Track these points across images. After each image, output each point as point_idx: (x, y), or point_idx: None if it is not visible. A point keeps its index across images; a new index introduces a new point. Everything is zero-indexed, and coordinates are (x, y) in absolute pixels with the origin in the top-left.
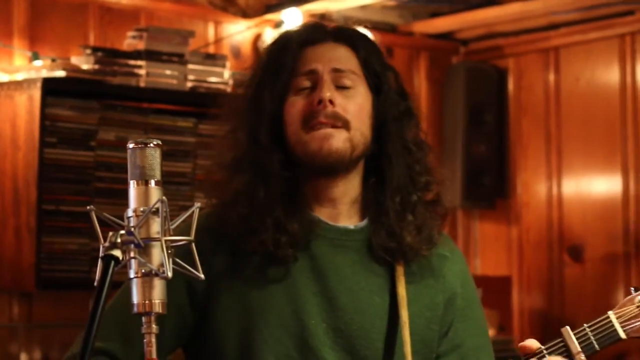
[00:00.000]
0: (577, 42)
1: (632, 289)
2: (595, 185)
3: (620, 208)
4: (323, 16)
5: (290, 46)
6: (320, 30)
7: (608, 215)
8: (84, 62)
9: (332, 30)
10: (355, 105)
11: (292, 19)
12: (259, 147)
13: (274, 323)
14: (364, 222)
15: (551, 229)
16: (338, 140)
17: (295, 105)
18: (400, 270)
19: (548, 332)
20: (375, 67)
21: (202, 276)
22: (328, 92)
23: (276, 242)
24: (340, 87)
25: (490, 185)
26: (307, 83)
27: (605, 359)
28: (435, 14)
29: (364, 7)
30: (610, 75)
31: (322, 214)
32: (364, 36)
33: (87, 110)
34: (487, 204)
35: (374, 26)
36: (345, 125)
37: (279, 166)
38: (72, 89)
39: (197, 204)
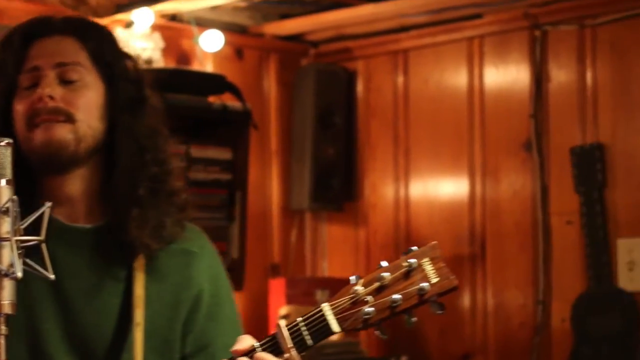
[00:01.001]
0: (426, 45)
1: (352, 278)
2: (442, 188)
3: (467, 210)
4: (174, 16)
5: (14, 42)
6: (46, 24)
7: (454, 217)
8: None
9: (58, 22)
10: (81, 97)
11: (143, 19)
12: None
13: (10, 330)
14: (103, 221)
15: (398, 231)
16: (60, 132)
17: (20, 105)
18: (139, 269)
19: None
20: (107, 56)
21: (52, 276)
22: (47, 88)
23: None
24: (66, 81)
25: (339, 188)
26: (30, 81)
27: (451, 359)
28: (285, 16)
29: (214, 8)
30: (458, 78)
31: (60, 214)
32: (94, 25)
33: None
34: (336, 206)
35: (224, 27)
36: (69, 118)
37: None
38: None
39: (49, 204)
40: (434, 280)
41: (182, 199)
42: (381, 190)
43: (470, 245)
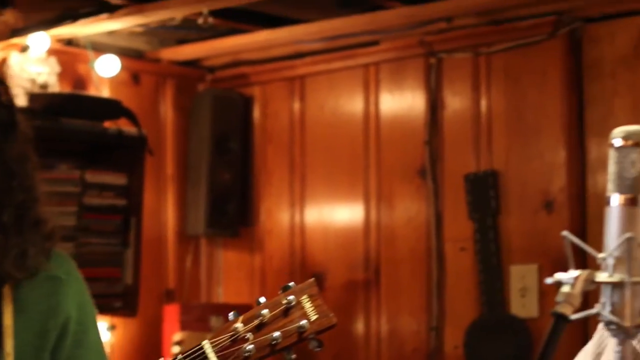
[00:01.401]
0: (322, 71)
1: (231, 314)
2: (337, 214)
3: (362, 236)
4: (70, 41)
5: None
6: None
7: (349, 243)
8: None
9: None
10: None
11: (39, 43)
12: None
13: None
14: None
15: (294, 257)
16: None
17: None
18: (6, 299)
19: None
20: None
21: None
22: None
23: None
24: None
25: (234, 213)
26: None
27: None
28: (182, 41)
29: (110, 33)
30: (354, 104)
31: None
32: None
33: None
34: (231, 232)
35: (120, 52)
36: None
37: None
38: None
39: None
40: (313, 317)
41: (48, 228)
42: (277, 215)
43: (364, 271)
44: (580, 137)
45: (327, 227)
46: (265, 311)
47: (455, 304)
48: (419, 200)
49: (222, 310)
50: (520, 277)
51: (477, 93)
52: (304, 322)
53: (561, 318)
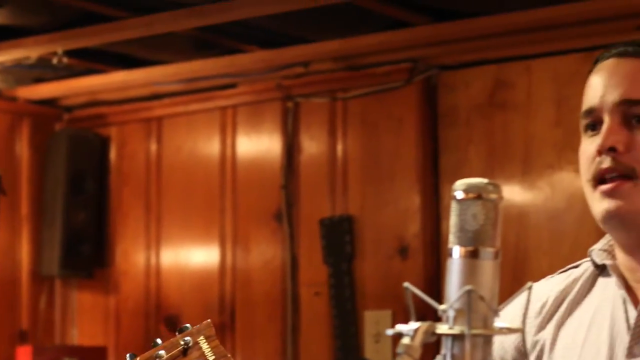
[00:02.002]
0: (179, 113)
1: (127, 356)
2: (193, 256)
3: (217, 279)
4: None
5: None
6: None
7: (205, 286)
8: None
9: None
10: None
11: None
12: None
13: None
14: None
15: (149, 299)
16: None
17: None
18: None
19: None
20: None
21: None
22: None
23: None
24: None
25: (89, 254)
26: None
27: None
28: (39, 80)
29: None
30: (211, 147)
31: None
32: None
33: None
34: (86, 273)
35: None
36: None
37: None
38: None
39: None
40: (211, 358)
41: None
42: (132, 257)
43: (220, 314)
44: (434, 183)
45: (183, 270)
46: (162, 352)
47: (310, 349)
48: (275, 244)
49: (76, 352)
50: (375, 323)
51: (334, 138)
52: None
53: None
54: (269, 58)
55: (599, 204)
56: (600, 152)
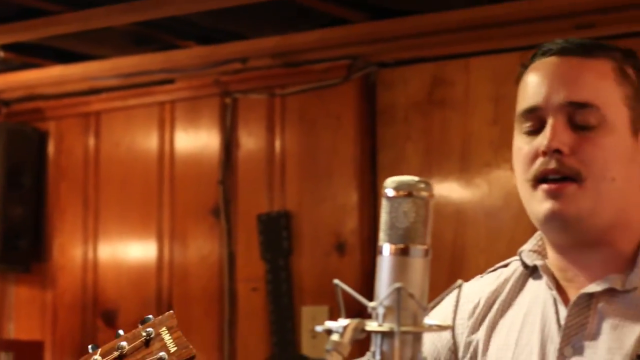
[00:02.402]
0: (117, 108)
1: (90, 347)
2: (130, 251)
3: (154, 274)
4: None
5: None
6: None
7: (142, 281)
8: None
9: None
10: None
11: None
12: None
13: None
14: None
15: (86, 293)
16: None
17: None
18: None
19: None
20: None
21: None
22: None
23: None
24: None
25: (27, 249)
26: None
27: None
28: None
29: None
30: (149, 142)
31: None
32: None
33: None
34: (23, 267)
35: None
36: None
37: None
38: None
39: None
40: (173, 349)
41: None
42: (70, 251)
43: (157, 309)
44: (372, 180)
45: (120, 264)
46: (124, 343)
47: (247, 344)
48: (212, 239)
49: (12, 346)
50: (311, 318)
51: (272, 134)
52: (162, 353)
53: None
54: (206, 54)
55: (541, 204)
56: (545, 153)
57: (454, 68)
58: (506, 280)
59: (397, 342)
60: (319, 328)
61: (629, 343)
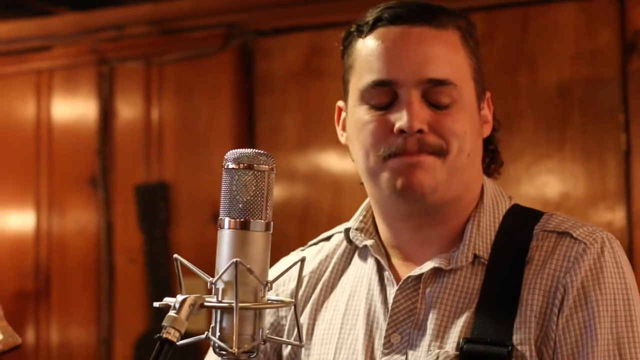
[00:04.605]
0: None
1: None
2: (7, 221)
3: (32, 245)
4: None
5: None
6: None
7: (19, 252)
8: None
9: None
10: None
11: None
12: None
13: None
14: None
15: None
16: None
17: None
18: None
19: None
20: None
21: None
22: None
23: None
24: None
25: None
26: None
27: None
28: None
29: None
30: (26, 110)
31: None
32: None
33: None
34: None
35: None
36: None
37: None
38: None
39: None
40: None
41: None
42: None
43: (35, 280)
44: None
45: None
46: None
47: (126, 316)
48: (90, 210)
49: None
50: (190, 291)
51: (149, 103)
52: None
53: (166, 343)
54: (81, 20)
55: (397, 176)
56: (403, 132)
57: (332, 37)
58: (328, 257)
59: (235, 318)
60: (156, 304)
61: (455, 330)
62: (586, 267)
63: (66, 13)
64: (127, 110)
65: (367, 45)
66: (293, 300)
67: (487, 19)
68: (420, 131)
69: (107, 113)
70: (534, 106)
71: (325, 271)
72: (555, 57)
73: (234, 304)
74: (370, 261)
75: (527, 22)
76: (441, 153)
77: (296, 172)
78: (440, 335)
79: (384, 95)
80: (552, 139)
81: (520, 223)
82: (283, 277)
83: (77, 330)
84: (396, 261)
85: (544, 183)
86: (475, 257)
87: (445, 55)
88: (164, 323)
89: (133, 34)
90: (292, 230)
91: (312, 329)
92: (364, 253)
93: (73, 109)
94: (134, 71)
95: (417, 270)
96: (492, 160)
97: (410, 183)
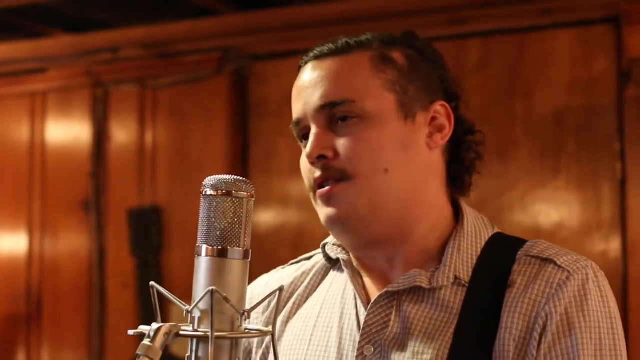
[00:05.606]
0: None
1: None
2: (0, 243)
3: (24, 268)
4: None
5: None
6: None
7: (11, 275)
8: None
9: None
10: None
11: None
12: None
13: None
14: None
15: None
16: None
17: None
18: None
19: None
20: None
21: None
22: None
23: None
24: None
25: None
26: None
27: None
28: None
29: None
30: (19, 132)
31: None
32: None
33: None
34: None
35: None
36: None
37: None
38: None
39: None
40: None
41: None
42: None
43: (26, 304)
44: (244, 174)
45: None
46: None
47: (117, 340)
48: (82, 234)
49: None
50: (181, 315)
51: (143, 126)
52: None
53: None
54: (76, 43)
55: (321, 211)
56: (313, 163)
57: None
58: (305, 273)
59: (211, 348)
60: (130, 332)
61: (434, 349)
62: (570, 294)
63: (61, 35)
64: (121, 133)
65: (295, 85)
66: (270, 329)
67: (483, 45)
68: (324, 157)
69: (100, 136)
70: (529, 133)
71: (300, 286)
72: (551, 85)
73: (209, 333)
74: (345, 275)
75: (523, 48)
76: (346, 177)
77: (290, 197)
78: (419, 353)
79: (302, 131)
80: (546, 167)
81: (503, 249)
82: (257, 292)
83: (68, 354)
84: (366, 278)
85: (538, 212)
86: (456, 278)
87: (342, 78)
88: (138, 352)
89: (128, 56)
90: (285, 256)
91: (280, 339)
92: (339, 268)
93: (67, 131)
94: (128, 94)
95: (395, 286)
96: (468, 169)
97: (330, 219)
